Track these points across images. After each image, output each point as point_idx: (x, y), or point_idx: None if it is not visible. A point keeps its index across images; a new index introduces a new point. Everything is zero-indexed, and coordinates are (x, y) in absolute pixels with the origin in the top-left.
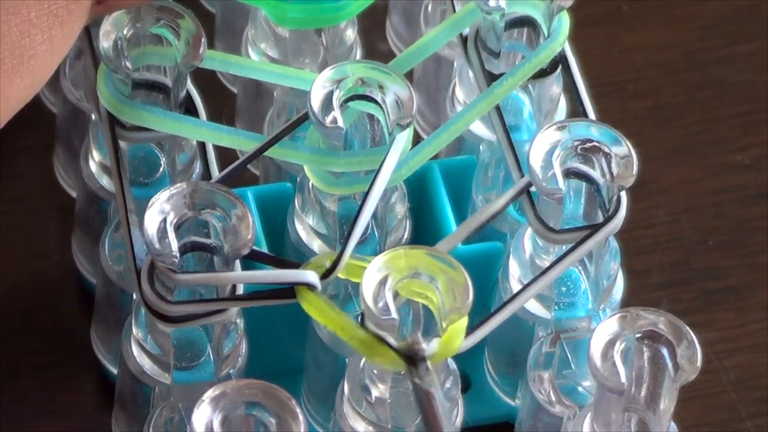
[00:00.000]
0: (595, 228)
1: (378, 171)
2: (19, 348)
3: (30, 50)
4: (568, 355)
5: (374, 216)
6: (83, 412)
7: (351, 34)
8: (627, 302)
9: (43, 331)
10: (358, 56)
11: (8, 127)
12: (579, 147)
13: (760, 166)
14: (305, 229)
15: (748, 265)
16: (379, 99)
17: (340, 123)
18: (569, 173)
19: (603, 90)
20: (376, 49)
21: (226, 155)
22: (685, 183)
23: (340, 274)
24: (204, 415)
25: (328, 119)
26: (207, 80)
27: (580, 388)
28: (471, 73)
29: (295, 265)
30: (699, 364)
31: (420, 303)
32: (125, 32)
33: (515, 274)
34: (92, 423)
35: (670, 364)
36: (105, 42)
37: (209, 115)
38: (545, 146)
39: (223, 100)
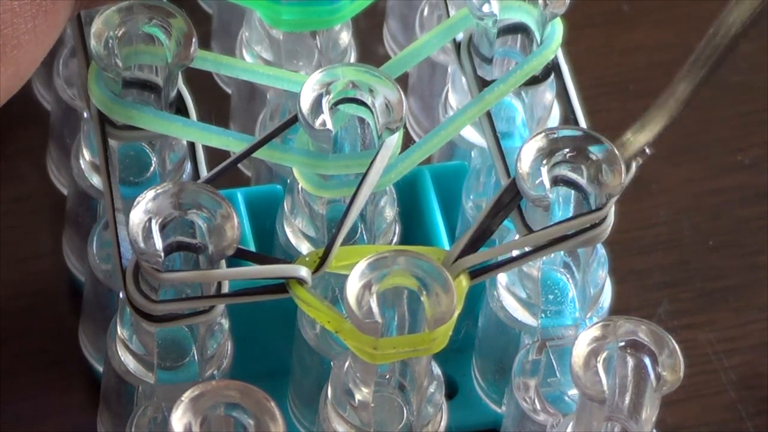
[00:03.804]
0: (579, 232)
1: (365, 174)
2: (18, 348)
3: (13, 40)
4: (554, 363)
5: (363, 219)
6: (84, 412)
7: (345, 37)
8: (627, 302)
9: (42, 332)
10: (352, 59)
11: (7, 126)
12: (567, 154)
13: (760, 166)
14: (294, 231)
15: (748, 265)
16: (369, 102)
17: (329, 126)
18: (557, 181)
19: (603, 90)
20: (374, 52)
21: (221, 156)
22: (685, 183)
23: (329, 267)
24: (182, 415)
25: (318, 122)
26: (203, 81)
27: (566, 397)
28: (464, 79)
29: (284, 262)
30: (681, 373)
31: (405, 305)
32: (116, 31)
33: (503, 282)
34: (93, 423)
35: (652, 374)
36: (95, 40)
37: (204, 116)
38: (533, 153)
39: (218, 101)
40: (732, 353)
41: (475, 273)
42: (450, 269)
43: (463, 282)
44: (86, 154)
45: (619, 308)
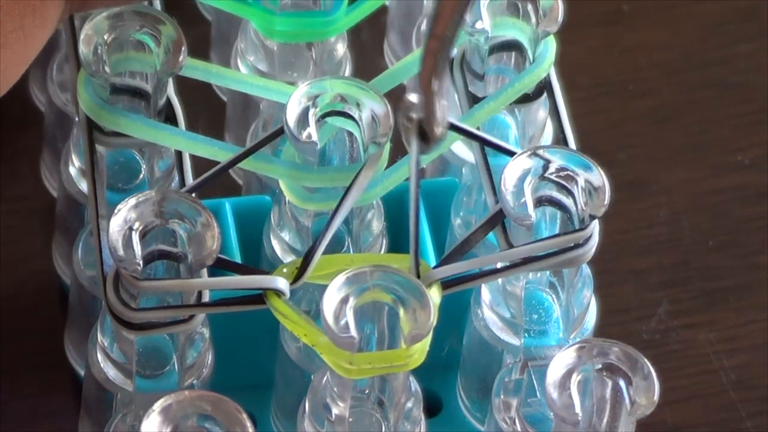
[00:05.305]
0: (561, 251)
1: (349, 187)
2: (19, 348)
3: (0, 38)
4: (535, 383)
5: (349, 232)
6: (69, 416)
7: (341, 48)
8: (627, 302)
9: (31, 336)
10: (347, 71)
11: (5, 128)
12: (553, 175)
13: (760, 166)
14: (280, 243)
15: (748, 265)
16: (356, 116)
17: (315, 138)
18: (542, 201)
19: (603, 90)
20: (375, 65)
21: (213, 165)
22: (685, 183)
23: (308, 278)
24: (153, 425)
25: (304, 134)
26: (201, 89)
27: (547, 418)
28: (456, 95)
29: (262, 273)
30: (656, 397)
31: (384, 320)
32: (106, 37)
33: (486, 300)
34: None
35: (626, 397)
36: (84, 46)
37: (199, 124)
38: (518, 172)
39: (215, 110)
40: (732, 353)
41: (448, 284)
42: (422, 280)
43: (435, 293)
44: (75, 160)
45: (619, 308)
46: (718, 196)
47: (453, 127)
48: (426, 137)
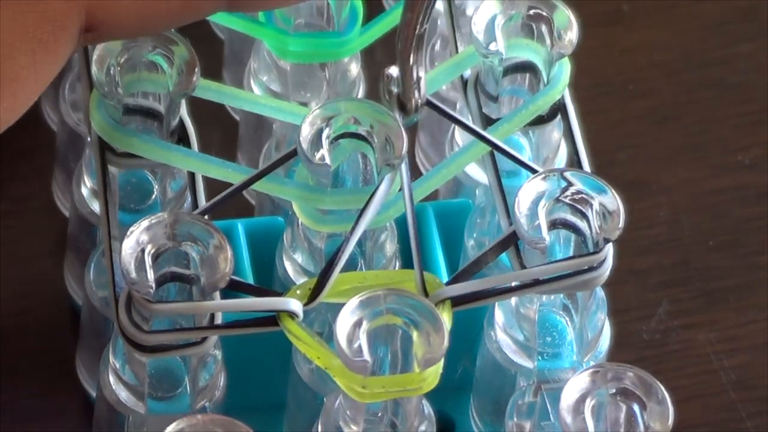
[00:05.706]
0: (573, 274)
1: (362, 210)
2: (20, 348)
3: (12, 73)
4: (549, 407)
5: (362, 254)
6: (86, 413)
7: (354, 69)
8: (627, 302)
9: (45, 332)
10: (361, 92)
11: (18, 148)
12: (567, 197)
13: (760, 166)
14: (293, 265)
15: (748, 265)
16: (369, 138)
17: (328, 160)
18: (556, 223)
19: (603, 90)
20: None
21: (226, 184)
22: (685, 183)
23: (325, 298)
24: None
25: (317, 156)
26: (214, 108)
27: None
28: (470, 116)
29: (276, 294)
30: (670, 422)
31: (398, 342)
32: (118, 58)
33: (500, 322)
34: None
35: (641, 423)
36: (97, 67)
37: (213, 144)
38: (532, 195)
39: (229, 129)
40: (732, 353)
41: (458, 302)
42: (432, 297)
43: (446, 311)
44: (87, 180)
45: (619, 308)
46: (718, 196)
47: (429, 104)
48: (405, 109)
